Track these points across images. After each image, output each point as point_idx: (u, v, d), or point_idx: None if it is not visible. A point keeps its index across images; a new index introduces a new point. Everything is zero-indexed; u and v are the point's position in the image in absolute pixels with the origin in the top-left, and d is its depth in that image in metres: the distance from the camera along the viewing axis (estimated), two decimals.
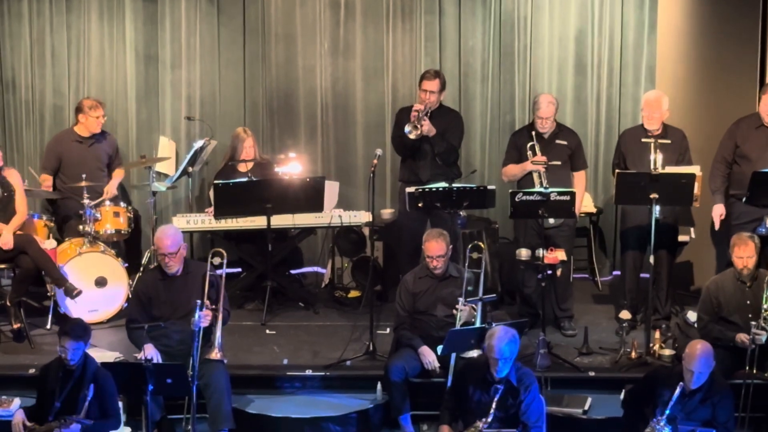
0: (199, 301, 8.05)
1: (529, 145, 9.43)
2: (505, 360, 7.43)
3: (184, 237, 10.35)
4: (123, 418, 8.26)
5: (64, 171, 10.21)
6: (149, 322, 8.26)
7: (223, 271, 8.36)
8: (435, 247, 8.46)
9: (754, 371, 8.11)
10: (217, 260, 8.38)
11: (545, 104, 9.44)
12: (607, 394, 8.56)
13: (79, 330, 7.54)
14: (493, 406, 7.39)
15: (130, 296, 8.66)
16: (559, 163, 9.47)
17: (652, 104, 9.45)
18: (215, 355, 8.07)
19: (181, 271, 8.38)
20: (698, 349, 7.43)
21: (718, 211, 9.47)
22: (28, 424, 7.50)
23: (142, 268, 10.37)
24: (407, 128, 9.62)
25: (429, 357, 8.32)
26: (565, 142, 9.54)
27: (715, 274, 9.30)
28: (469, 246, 8.69)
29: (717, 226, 9.52)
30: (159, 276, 8.43)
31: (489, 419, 7.39)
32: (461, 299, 8.33)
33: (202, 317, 8.02)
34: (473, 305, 8.34)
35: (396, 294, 8.71)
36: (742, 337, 8.19)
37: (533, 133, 9.45)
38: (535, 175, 9.37)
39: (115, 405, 7.68)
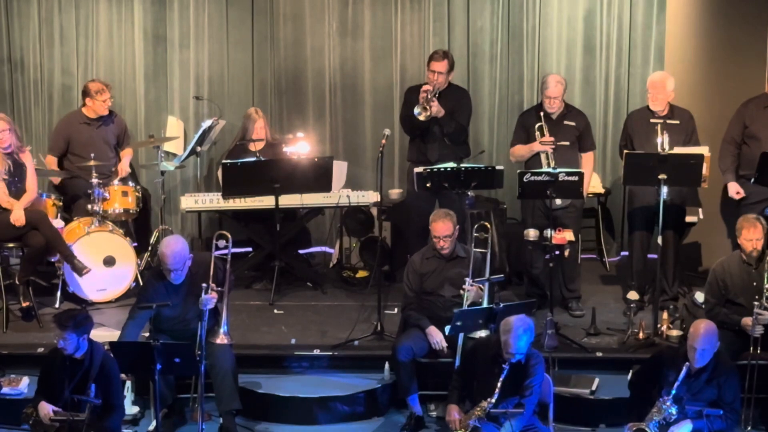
0: (204, 285, 8.05)
1: (537, 125, 9.41)
2: (522, 354, 7.47)
3: (192, 217, 10.45)
4: (131, 397, 8.32)
5: (72, 151, 10.22)
6: (155, 328, 8.25)
7: (229, 252, 8.33)
8: (441, 227, 8.45)
9: (759, 351, 8.11)
10: (222, 243, 8.36)
11: (553, 83, 9.42)
12: (614, 375, 8.58)
13: (67, 321, 7.40)
14: (498, 386, 7.41)
15: (136, 303, 8.38)
16: (567, 143, 9.46)
17: (656, 85, 9.43)
18: (221, 340, 8.05)
19: (187, 274, 8.22)
20: (701, 327, 7.45)
21: (733, 189, 9.46)
22: (56, 409, 7.45)
23: (150, 248, 10.38)
24: (416, 110, 9.61)
25: (437, 337, 8.33)
26: (573, 123, 9.52)
27: (729, 252, 9.30)
28: (476, 226, 8.70)
29: (736, 197, 9.49)
30: (167, 283, 8.20)
31: (494, 399, 7.41)
32: (468, 279, 8.33)
33: (207, 300, 8.01)
34: (480, 285, 8.34)
35: (403, 274, 8.72)
36: (747, 321, 8.17)
37: (541, 113, 9.44)
38: (543, 156, 9.35)
39: (119, 394, 7.69)
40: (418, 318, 8.44)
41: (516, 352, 7.41)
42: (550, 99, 9.40)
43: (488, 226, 8.71)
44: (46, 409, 7.44)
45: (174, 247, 8.11)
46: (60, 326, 7.41)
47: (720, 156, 9.53)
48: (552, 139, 9.32)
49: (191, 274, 8.22)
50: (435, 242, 8.51)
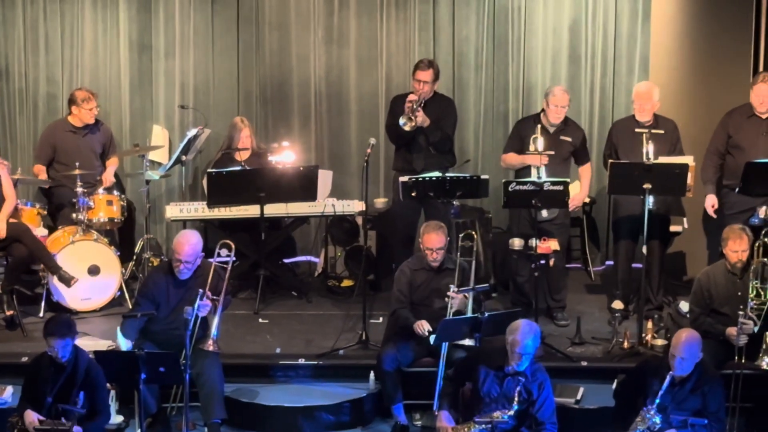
0: (201, 290, 8.03)
1: (532, 137, 9.32)
2: (528, 355, 7.43)
3: (177, 226, 10.44)
4: (116, 406, 8.29)
5: (57, 160, 10.20)
6: (142, 330, 8.24)
7: (231, 260, 8.34)
8: (435, 239, 8.43)
9: (743, 360, 8.12)
10: (224, 252, 8.35)
11: (560, 92, 9.36)
12: (599, 384, 8.59)
13: (63, 328, 7.44)
14: (516, 398, 7.38)
15: (137, 295, 8.49)
16: (560, 157, 9.36)
17: (642, 96, 9.44)
18: (209, 346, 8.04)
19: (192, 275, 8.29)
20: (683, 335, 7.48)
21: (710, 202, 9.48)
22: (41, 418, 7.44)
23: (135, 257, 10.37)
24: (401, 120, 9.59)
25: (423, 326, 8.27)
26: (569, 139, 9.46)
27: (707, 263, 9.31)
28: (461, 235, 8.69)
29: (712, 215, 9.50)
30: (170, 279, 8.29)
31: (512, 411, 7.38)
32: (453, 287, 8.31)
33: (202, 307, 7.99)
34: (465, 294, 8.33)
35: (394, 282, 8.66)
36: (732, 331, 8.17)
37: (539, 126, 9.39)
38: (534, 170, 9.27)
39: (105, 399, 7.69)
40: (407, 317, 8.41)
41: (522, 352, 7.37)
42: (557, 107, 9.32)
43: (474, 235, 8.71)
44: (31, 417, 7.43)
45: (191, 239, 8.24)
46: (60, 335, 7.40)
47: (703, 166, 9.54)
48: (544, 159, 9.24)
49: (195, 276, 8.26)
50: (428, 254, 8.47)
